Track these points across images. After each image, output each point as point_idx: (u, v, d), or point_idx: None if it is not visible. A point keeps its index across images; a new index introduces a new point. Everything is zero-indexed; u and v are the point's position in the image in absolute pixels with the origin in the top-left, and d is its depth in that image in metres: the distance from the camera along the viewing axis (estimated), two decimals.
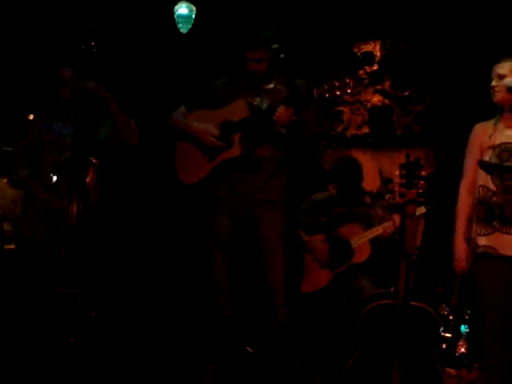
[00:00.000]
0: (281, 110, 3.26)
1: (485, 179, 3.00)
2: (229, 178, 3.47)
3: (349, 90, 3.22)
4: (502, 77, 3.01)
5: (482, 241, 2.98)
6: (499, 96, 3.02)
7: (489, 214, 2.96)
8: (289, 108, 3.25)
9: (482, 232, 2.99)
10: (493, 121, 3.08)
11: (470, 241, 3.06)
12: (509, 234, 2.94)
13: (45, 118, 3.66)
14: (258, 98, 3.45)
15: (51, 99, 3.68)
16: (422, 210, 4.06)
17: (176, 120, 3.60)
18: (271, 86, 3.49)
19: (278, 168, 3.49)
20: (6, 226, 4.75)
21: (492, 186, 2.97)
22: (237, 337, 3.58)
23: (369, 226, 4.13)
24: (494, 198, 2.95)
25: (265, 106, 3.44)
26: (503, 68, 3.02)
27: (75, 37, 3.57)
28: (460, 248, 3.07)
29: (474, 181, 3.08)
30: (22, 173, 3.61)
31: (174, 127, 3.62)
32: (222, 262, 3.50)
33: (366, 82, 5.37)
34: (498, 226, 2.95)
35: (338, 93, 3.21)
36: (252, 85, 3.48)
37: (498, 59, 3.08)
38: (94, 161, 3.50)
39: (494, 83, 3.04)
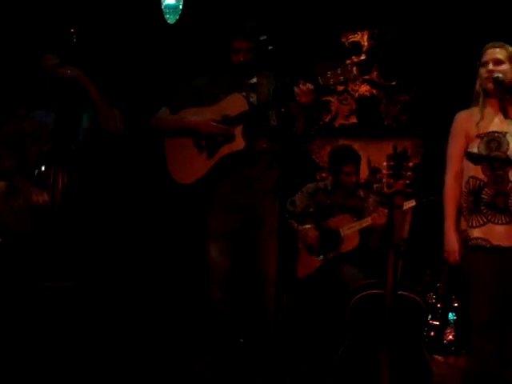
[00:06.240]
0: (302, 86, 3.17)
1: (474, 170, 2.96)
2: (229, 171, 3.42)
3: (352, 75, 3.15)
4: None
5: (475, 233, 2.94)
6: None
7: (480, 205, 2.94)
8: (310, 84, 3.17)
9: (474, 224, 2.95)
10: (476, 108, 3.04)
11: (459, 232, 3.02)
12: (501, 224, 2.91)
13: (27, 109, 3.59)
14: (244, 93, 3.42)
15: (33, 88, 3.60)
16: (412, 203, 4.12)
17: (165, 119, 3.52)
18: (254, 80, 3.47)
19: (273, 159, 3.50)
20: None
21: (482, 177, 2.93)
22: (231, 329, 3.59)
23: (360, 218, 4.21)
24: (486, 189, 2.93)
25: (252, 99, 3.43)
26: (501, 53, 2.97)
27: (56, 24, 3.50)
28: (452, 240, 3.02)
29: (460, 170, 3.04)
30: (7, 164, 3.52)
31: (160, 128, 3.53)
32: (217, 255, 3.49)
33: None
34: (490, 217, 2.92)
35: (341, 78, 3.16)
36: (236, 79, 3.45)
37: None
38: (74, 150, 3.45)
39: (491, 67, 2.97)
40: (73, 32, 3.43)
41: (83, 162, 3.51)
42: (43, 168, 3.43)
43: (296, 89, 3.19)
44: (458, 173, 3.05)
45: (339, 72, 3.16)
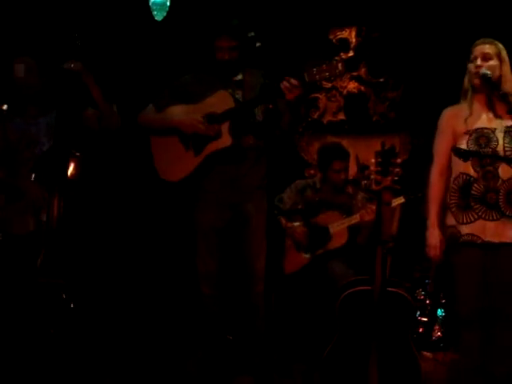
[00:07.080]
0: (287, 82, 3.19)
1: (464, 166, 2.96)
2: (216, 168, 3.44)
3: (337, 71, 3.18)
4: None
5: (465, 229, 2.95)
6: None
7: (471, 201, 2.94)
8: (295, 80, 3.19)
9: (464, 220, 2.95)
10: (464, 104, 3.04)
11: (445, 228, 3.02)
12: (492, 220, 2.91)
13: (5, 116, 3.57)
14: (230, 90, 3.43)
15: (9, 93, 3.59)
16: (400, 199, 4.12)
17: (150, 118, 3.55)
18: (239, 77, 3.49)
19: (259, 155, 3.51)
20: None
21: (473, 173, 2.93)
22: (220, 325, 3.59)
23: (349, 215, 4.22)
24: (476, 185, 2.92)
25: (237, 96, 3.44)
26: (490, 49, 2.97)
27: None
28: (434, 234, 3.03)
29: (446, 166, 3.04)
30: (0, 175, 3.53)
31: (147, 126, 3.57)
32: (207, 253, 3.51)
33: None
34: (480, 213, 2.92)
35: (327, 74, 3.18)
36: (222, 77, 3.47)
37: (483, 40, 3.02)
38: (76, 153, 3.45)
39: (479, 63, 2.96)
40: (76, 36, 3.44)
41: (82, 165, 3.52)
42: (38, 172, 3.42)
43: (281, 85, 3.20)
44: (444, 169, 3.06)
45: (325, 68, 3.17)
